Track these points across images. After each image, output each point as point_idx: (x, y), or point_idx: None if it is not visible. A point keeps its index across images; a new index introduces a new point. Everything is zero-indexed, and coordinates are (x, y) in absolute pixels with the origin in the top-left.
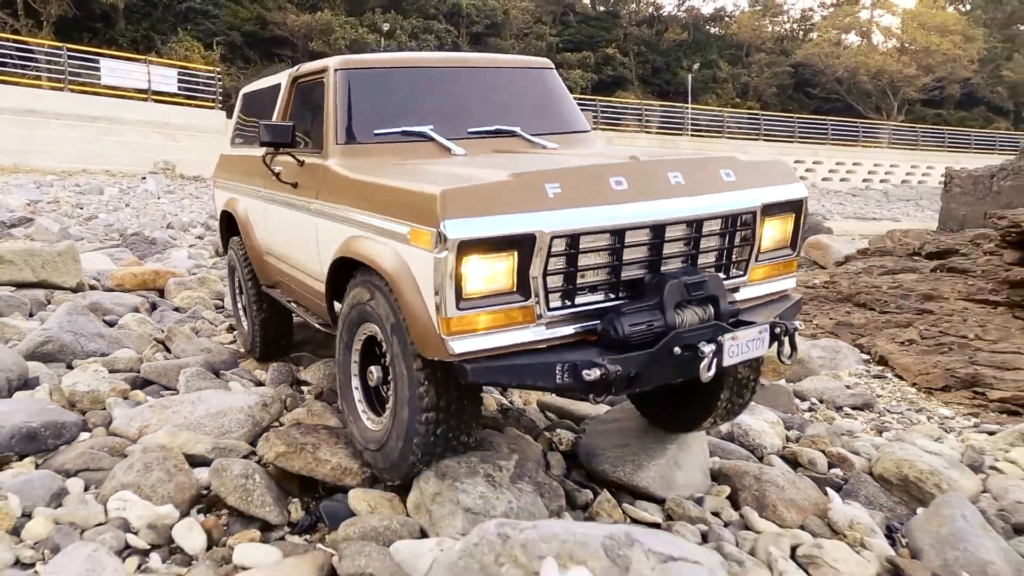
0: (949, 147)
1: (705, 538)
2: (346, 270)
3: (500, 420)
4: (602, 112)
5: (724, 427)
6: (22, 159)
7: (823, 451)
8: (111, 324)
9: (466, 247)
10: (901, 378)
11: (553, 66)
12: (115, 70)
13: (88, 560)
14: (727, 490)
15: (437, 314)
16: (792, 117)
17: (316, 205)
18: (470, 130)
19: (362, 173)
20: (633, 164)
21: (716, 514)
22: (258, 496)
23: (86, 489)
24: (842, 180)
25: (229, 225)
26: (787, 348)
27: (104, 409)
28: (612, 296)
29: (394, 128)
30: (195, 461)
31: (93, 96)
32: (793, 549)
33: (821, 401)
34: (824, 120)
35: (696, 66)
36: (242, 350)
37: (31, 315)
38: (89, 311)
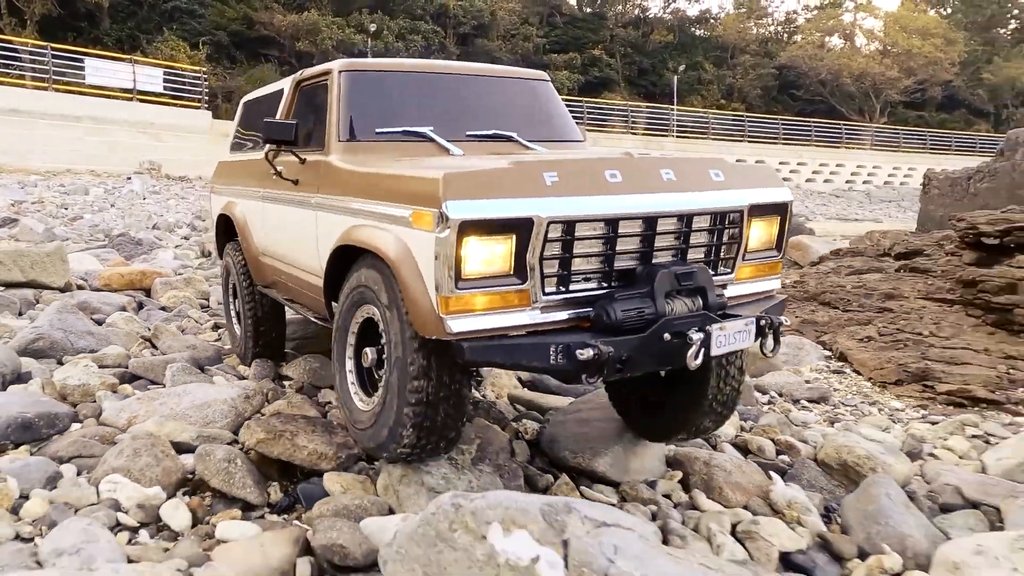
0: (930, 149)
1: (655, 517)
2: (344, 263)
3: (471, 412)
4: (588, 113)
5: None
6: (5, 159)
7: (772, 439)
8: (99, 322)
9: (467, 228)
10: (858, 373)
11: (549, 79)
12: (100, 70)
13: (83, 533)
14: (679, 475)
15: (436, 293)
16: (776, 119)
17: (317, 199)
18: (468, 133)
19: (364, 166)
20: (627, 159)
21: (667, 496)
22: (239, 479)
23: (79, 474)
24: (825, 181)
25: (226, 230)
26: (770, 342)
27: (94, 402)
28: (605, 285)
29: (395, 128)
30: (181, 448)
31: (78, 96)
32: (734, 526)
33: (780, 395)
34: (808, 122)
35: (682, 68)
36: (226, 348)
37: (20, 314)
38: (78, 310)
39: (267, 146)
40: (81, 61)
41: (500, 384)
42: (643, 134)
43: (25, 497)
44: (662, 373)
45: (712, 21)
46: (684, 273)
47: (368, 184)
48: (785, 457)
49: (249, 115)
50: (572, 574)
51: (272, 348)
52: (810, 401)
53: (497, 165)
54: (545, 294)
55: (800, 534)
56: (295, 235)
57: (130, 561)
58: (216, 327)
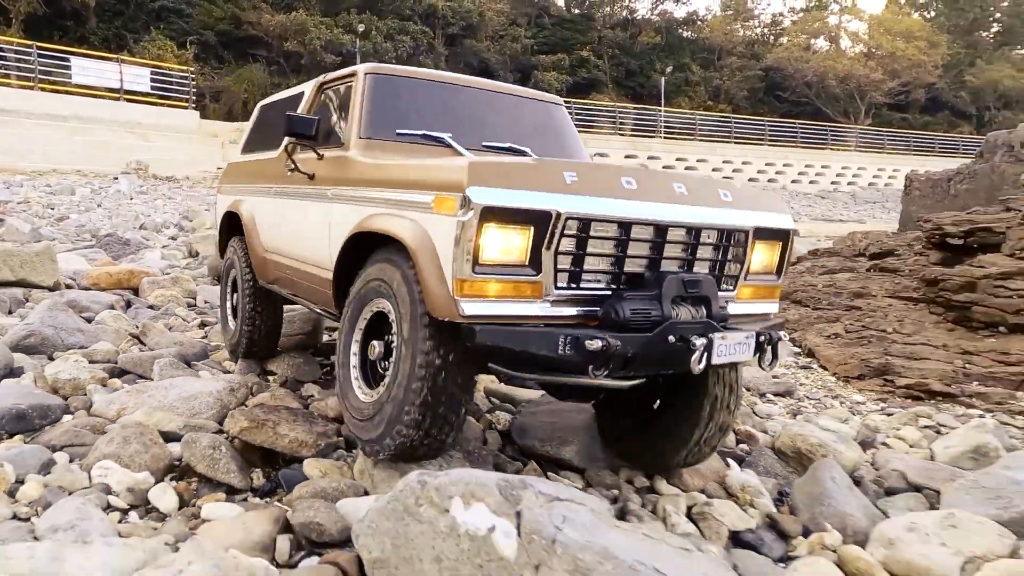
0: (914, 151)
1: (616, 500)
2: (355, 257)
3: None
4: (576, 114)
5: None
6: None
7: (734, 430)
8: (89, 320)
9: (488, 214)
10: (825, 368)
11: (562, 102)
12: (86, 69)
13: (77, 511)
14: None
15: (453, 276)
16: (763, 120)
17: (334, 191)
18: (484, 144)
19: (385, 159)
20: (643, 170)
21: (630, 482)
22: (224, 464)
23: (71, 460)
24: (811, 182)
25: (230, 227)
26: (769, 356)
27: (85, 395)
28: (614, 286)
29: (414, 130)
30: (168, 437)
31: (64, 95)
32: (689, 508)
33: (748, 389)
34: (794, 123)
35: (669, 69)
36: (219, 345)
37: (10, 312)
38: (68, 308)
39: (287, 140)
40: (67, 60)
41: (478, 378)
42: (631, 135)
43: (21, 482)
44: (656, 403)
45: (699, 23)
46: (691, 281)
47: (390, 174)
48: (744, 446)
49: (264, 119)
50: (524, 541)
51: (266, 345)
52: (776, 395)
53: (521, 160)
54: (557, 288)
55: (751, 515)
56: (307, 229)
57: (121, 537)
58: (203, 325)
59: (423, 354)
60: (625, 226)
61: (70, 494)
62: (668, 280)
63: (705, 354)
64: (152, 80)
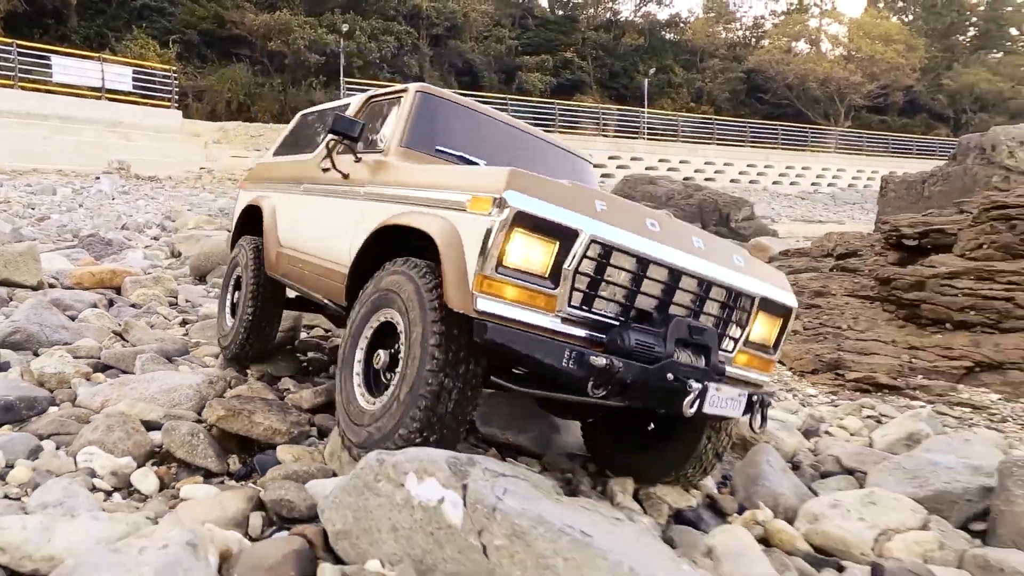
0: (892, 153)
1: (569, 483)
2: (375, 255)
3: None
4: (560, 115)
5: None
6: None
7: None
8: (72, 318)
9: (519, 220)
10: (782, 363)
11: (592, 162)
12: (67, 68)
13: (64, 490)
14: None
15: (475, 272)
16: (744, 122)
17: (367, 189)
18: None
19: (422, 165)
20: (667, 216)
21: (584, 467)
22: (202, 450)
23: (58, 448)
24: (792, 184)
25: (244, 225)
26: (758, 419)
27: (70, 387)
28: (622, 318)
29: (453, 150)
30: (150, 426)
31: (45, 94)
32: (637, 490)
33: None
34: (775, 125)
35: (652, 71)
36: (199, 342)
37: None
38: (52, 306)
39: (330, 137)
40: (48, 59)
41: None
42: (614, 136)
43: (11, 466)
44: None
45: (682, 25)
46: (696, 328)
47: (427, 175)
48: None
49: (302, 125)
50: (469, 510)
51: (258, 346)
52: None
53: (557, 180)
54: (569, 306)
55: (692, 495)
56: (331, 224)
57: (105, 512)
58: (184, 323)
59: (432, 359)
60: (643, 263)
61: (57, 477)
62: (676, 321)
63: (698, 400)
64: (134, 79)
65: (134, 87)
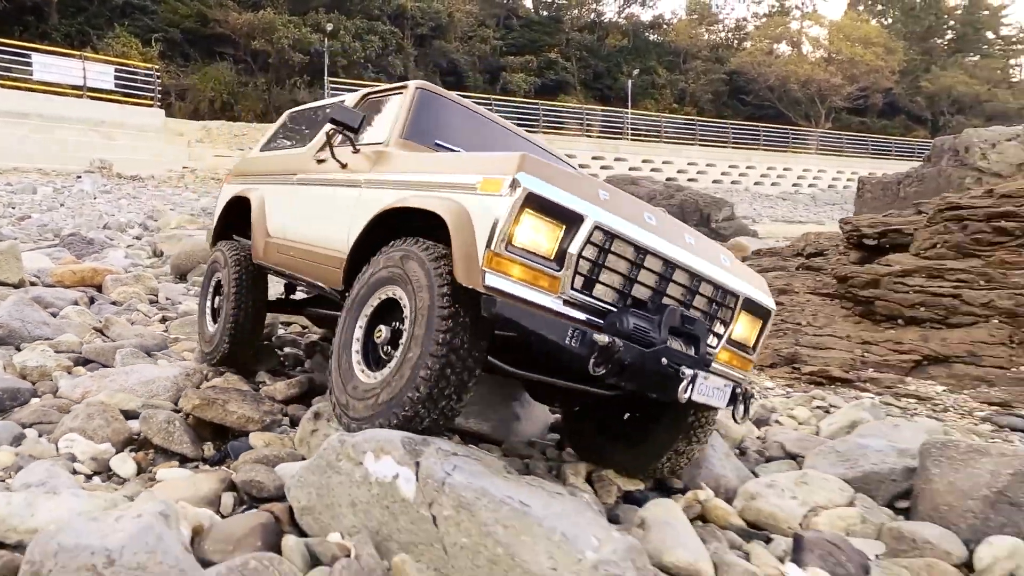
0: (872, 154)
1: (528, 468)
2: (374, 240)
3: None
4: (544, 116)
5: None
6: None
7: None
8: (53, 315)
9: (531, 200)
10: None
11: (574, 164)
12: (48, 66)
13: (47, 472)
14: (557, 437)
15: (486, 249)
16: (726, 123)
17: (367, 177)
18: None
19: (424, 153)
20: (663, 213)
21: (543, 453)
22: (178, 436)
23: (40, 435)
24: (773, 184)
25: (227, 217)
26: (741, 410)
27: (51, 380)
28: (620, 304)
29: (450, 145)
30: (128, 415)
31: (25, 92)
32: (590, 473)
33: None
34: (756, 126)
35: (636, 72)
36: (178, 338)
37: None
38: (34, 303)
39: (329, 127)
40: (28, 57)
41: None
42: (598, 137)
43: None
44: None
45: (665, 26)
46: (688, 318)
47: (435, 161)
48: None
49: (291, 121)
50: (420, 484)
51: (244, 350)
52: None
53: (565, 167)
54: (572, 289)
55: (642, 478)
56: (328, 212)
57: (85, 490)
58: (164, 320)
59: (439, 330)
60: (642, 252)
61: (40, 461)
62: (670, 309)
63: (691, 385)
64: (116, 77)
65: (116, 86)
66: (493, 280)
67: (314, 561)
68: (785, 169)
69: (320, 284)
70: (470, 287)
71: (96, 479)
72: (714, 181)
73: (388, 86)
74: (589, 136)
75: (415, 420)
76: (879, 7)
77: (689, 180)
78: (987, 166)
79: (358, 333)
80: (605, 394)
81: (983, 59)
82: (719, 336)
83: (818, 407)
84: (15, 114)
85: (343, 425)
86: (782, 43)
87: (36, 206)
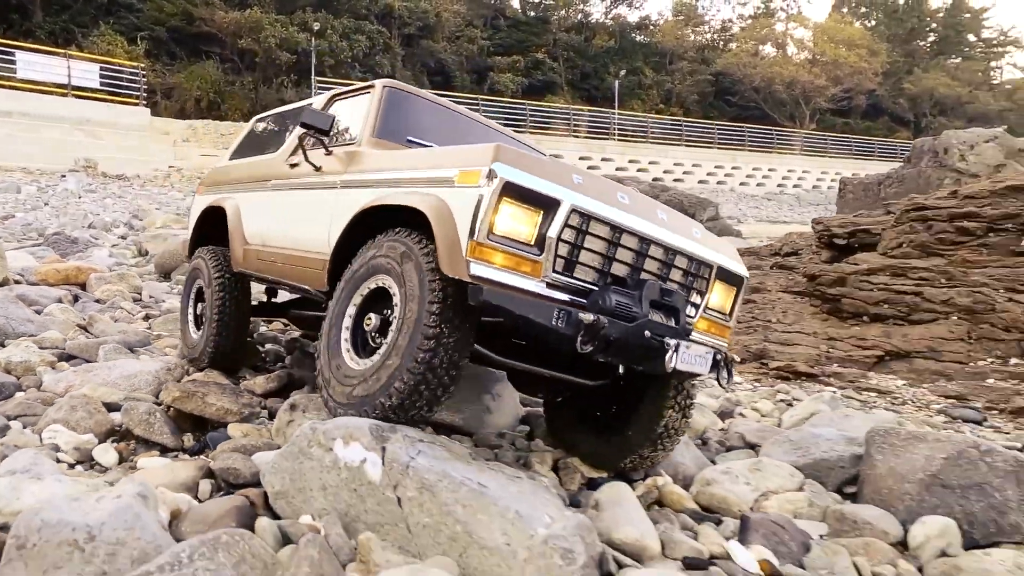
0: (856, 155)
1: (497, 456)
2: (355, 238)
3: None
4: (532, 116)
5: None
6: None
7: None
8: (38, 312)
9: (508, 189)
10: None
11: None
12: (33, 64)
13: (32, 459)
14: (527, 429)
15: (468, 239)
16: (712, 123)
17: (344, 178)
18: None
19: (398, 151)
20: (634, 191)
21: (513, 443)
22: (158, 427)
23: (24, 427)
24: (758, 185)
25: (202, 231)
26: (725, 374)
27: (35, 375)
28: (600, 283)
29: (422, 140)
30: (110, 407)
31: (9, 91)
32: (556, 462)
33: None
34: (742, 127)
35: (622, 72)
36: (161, 334)
37: None
38: (18, 300)
39: (300, 131)
40: (12, 55)
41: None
42: (585, 137)
43: None
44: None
45: (652, 27)
46: (666, 290)
47: (409, 157)
48: None
49: (258, 129)
50: (386, 468)
51: (229, 356)
52: None
53: (538, 155)
54: (553, 272)
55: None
56: (306, 215)
57: (68, 476)
58: (147, 317)
59: (429, 315)
60: (617, 231)
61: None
62: (649, 284)
63: (674, 355)
64: (102, 76)
65: (101, 84)
66: (478, 269)
67: (286, 540)
68: (770, 170)
69: (304, 287)
70: (456, 277)
71: (79, 467)
72: (700, 181)
73: (355, 86)
74: (576, 136)
75: (404, 407)
76: (863, 9)
77: (675, 180)
78: (965, 167)
79: (347, 321)
80: (588, 384)
81: (965, 61)
82: (696, 306)
83: (782, 400)
84: None
85: (322, 399)
86: (767, 44)
87: (20, 205)
